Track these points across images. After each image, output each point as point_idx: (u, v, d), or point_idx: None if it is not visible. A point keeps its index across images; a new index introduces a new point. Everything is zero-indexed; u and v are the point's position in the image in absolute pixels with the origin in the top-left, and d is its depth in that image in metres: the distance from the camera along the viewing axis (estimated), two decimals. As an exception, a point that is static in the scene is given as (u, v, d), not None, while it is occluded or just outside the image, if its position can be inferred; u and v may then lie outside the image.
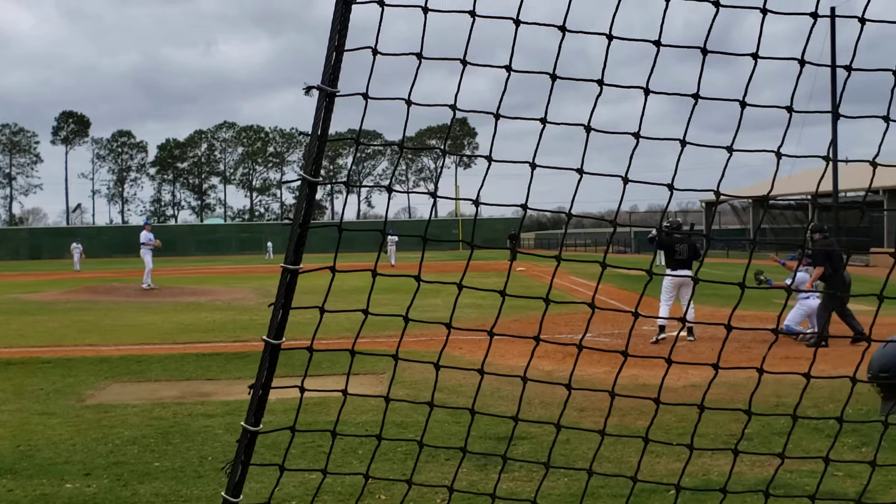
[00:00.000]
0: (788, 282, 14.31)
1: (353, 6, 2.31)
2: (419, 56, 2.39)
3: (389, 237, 48.34)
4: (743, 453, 2.84)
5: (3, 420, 8.63)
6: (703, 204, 75.76)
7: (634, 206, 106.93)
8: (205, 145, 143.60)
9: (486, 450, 6.88)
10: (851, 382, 2.72)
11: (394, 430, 7.61)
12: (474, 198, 2.54)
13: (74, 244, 57.44)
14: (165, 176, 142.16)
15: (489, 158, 2.55)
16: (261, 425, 2.33)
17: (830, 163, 2.61)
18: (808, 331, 14.18)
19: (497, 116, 2.53)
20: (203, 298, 24.88)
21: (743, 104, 2.55)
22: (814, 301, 14.22)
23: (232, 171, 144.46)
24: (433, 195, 2.62)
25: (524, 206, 2.59)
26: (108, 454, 7.28)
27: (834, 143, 40.70)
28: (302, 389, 2.48)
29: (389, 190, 2.52)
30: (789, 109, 2.54)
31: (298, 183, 2.35)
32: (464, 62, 2.43)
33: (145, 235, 29.28)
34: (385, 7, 2.38)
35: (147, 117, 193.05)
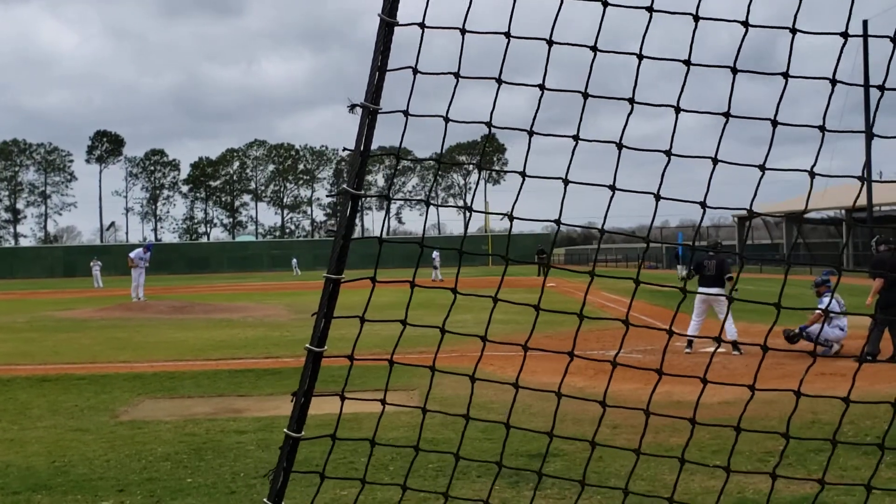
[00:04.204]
0: (822, 305, 14.12)
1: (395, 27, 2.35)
2: (457, 75, 2.43)
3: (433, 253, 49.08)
4: (781, 477, 2.81)
5: (38, 436, 8.71)
6: (736, 219, 75.24)
7: (666, 221, 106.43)
8: (237, 163, 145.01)
9: (518, 467, 6.83)
10: (893, 408, 2.66)
11: (425, 447, 7.58)
12: (505, 213, 2.56)
13: (93, 262, 57.85)
14: (198, 194, 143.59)
15: (523, 174, 2.56)
16: (302, 432, 2.35)
17: (864, 181, 2.58)
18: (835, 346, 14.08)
19: (531, 133, 2.55)
20: (235, 315, 25.03)
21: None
22: (842, 321, 14.13)
23: (263, 188, 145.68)
24: (468, 209, 2.65)
25: (557, 222, 2.59)
26: (142, 470, 7.32)
27: (868, 160, 40.26)
28: (342, 397, 2.51)
29: (427, 203, 2.57)
30: (822, 128, 2.52)
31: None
32: (499, 81, 2.47)
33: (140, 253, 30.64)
34: (425, 29, 2.42)
35: (185, 136, 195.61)
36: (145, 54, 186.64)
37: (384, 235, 2.66)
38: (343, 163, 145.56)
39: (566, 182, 2.55)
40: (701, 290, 14.54)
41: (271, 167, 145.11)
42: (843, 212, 61.91)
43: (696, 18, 2.53)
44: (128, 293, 33.36)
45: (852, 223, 51.95)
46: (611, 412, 9.64)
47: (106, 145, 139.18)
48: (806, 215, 63.64)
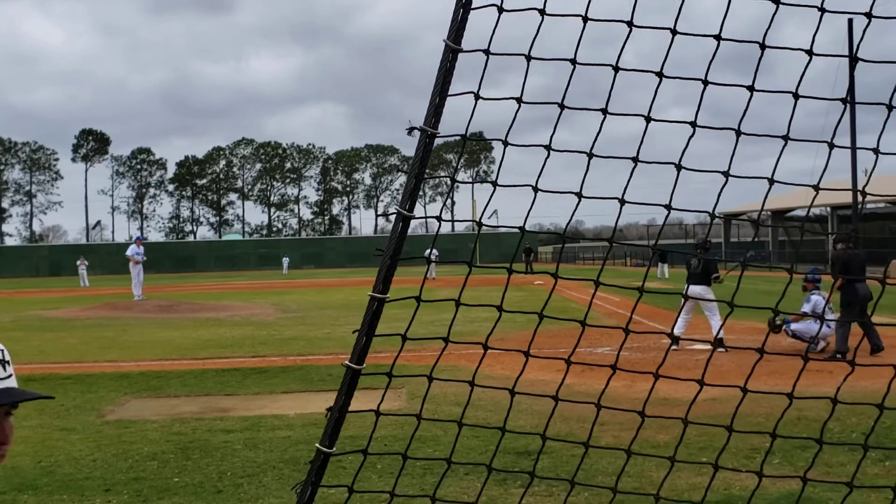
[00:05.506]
0: (806, 309, 14.21)
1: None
2: (519, 101, 2.48)
3: (432, 253, 50.74)
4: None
5: (24, 436, 8.66)
6: (721, 216, 75.54)
7: (653, 219, 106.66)
8: (223, 162, 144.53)
9: (506, 464, 6.84)
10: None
11: (413, 444, 7.58)
12: (558, 233, 2.61)
13: (79, 261, 57.58)
14: (184, 192, 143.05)
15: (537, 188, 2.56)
16: (334, 448, 2.37)
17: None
18: (821, 345, 14.19)
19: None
20: (222, 314, 24.96)
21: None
22: (829, 317, 14.25)
23: (250, 187, 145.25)
24: (522, 229, 2.68)
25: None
26: (128, 470, 7.30)
27: (853, 165, 40.26)
28: (378, 413, 2.54)
29: (479, 224, 2.62)
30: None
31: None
32: (562, 106, 2.50)
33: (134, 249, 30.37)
34: (490, 55, 2.44)
35: (173, 133, 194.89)
36: (134, 51, 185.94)
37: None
38: (330, 161, 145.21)
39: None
40: (687, 287, 14.65)
41: (258, 165, 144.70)
42: (828, 209, 62.24)
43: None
44: (120, 291, 33.22)
45: (835, 231, 52.22)
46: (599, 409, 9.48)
47: (91, 144, 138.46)
48: (790, 213, 64.04)
